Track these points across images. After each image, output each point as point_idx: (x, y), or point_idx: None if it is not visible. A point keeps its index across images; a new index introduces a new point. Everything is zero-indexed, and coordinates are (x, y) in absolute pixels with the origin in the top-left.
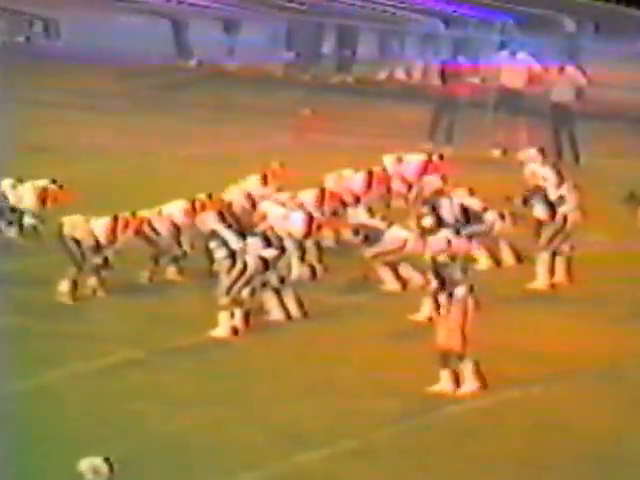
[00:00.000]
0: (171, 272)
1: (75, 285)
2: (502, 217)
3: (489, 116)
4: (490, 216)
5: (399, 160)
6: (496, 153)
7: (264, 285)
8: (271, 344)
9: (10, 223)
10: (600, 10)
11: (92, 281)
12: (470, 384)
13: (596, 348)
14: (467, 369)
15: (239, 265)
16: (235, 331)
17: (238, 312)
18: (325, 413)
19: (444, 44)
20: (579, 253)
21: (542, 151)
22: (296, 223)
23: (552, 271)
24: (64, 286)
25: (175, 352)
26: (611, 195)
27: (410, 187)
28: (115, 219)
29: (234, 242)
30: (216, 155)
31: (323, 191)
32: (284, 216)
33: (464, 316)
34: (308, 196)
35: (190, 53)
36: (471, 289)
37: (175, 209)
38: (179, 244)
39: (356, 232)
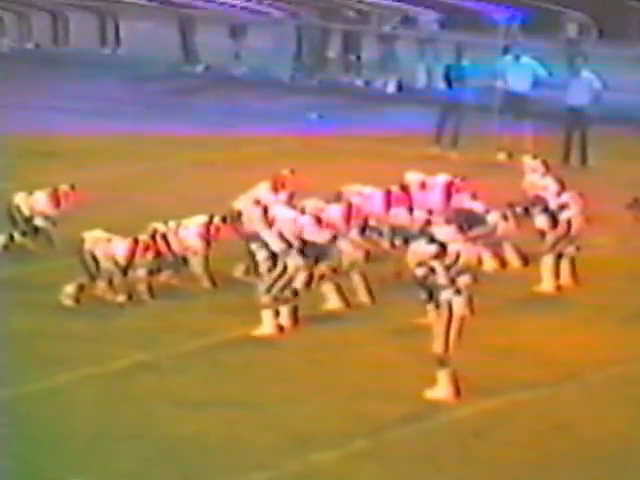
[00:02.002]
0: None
1: (81, 288)
2: (505, 218)
3: (494, 120)
4: (493, 217)
5: (423, 186)
6: (501, 157)
7: (322, 277)
8: (281, 346)
9: (24, 234)
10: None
11: (102, 284)
12: (443, 391)
13: (604, 350)
14: (443, 376)
15: (280, 267)
16: (281, 329)
17: (284, 310)
18: (336, 414)
19: (447, 47)
20: (586, 256)
21: (545, 162)
22: (305, 227)
23: (558, 273)
24: (70, 288)
25: (186, 355)
26: (617, 198)
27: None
28: (135, 242)
29: (275, 244)
30: (225, 160)
31: (350, 206)
32: (294, 220)
33: (448, 321)
34: (336, 210)
35: (197, 58)
36: (458, 292)
37: (191, 232)
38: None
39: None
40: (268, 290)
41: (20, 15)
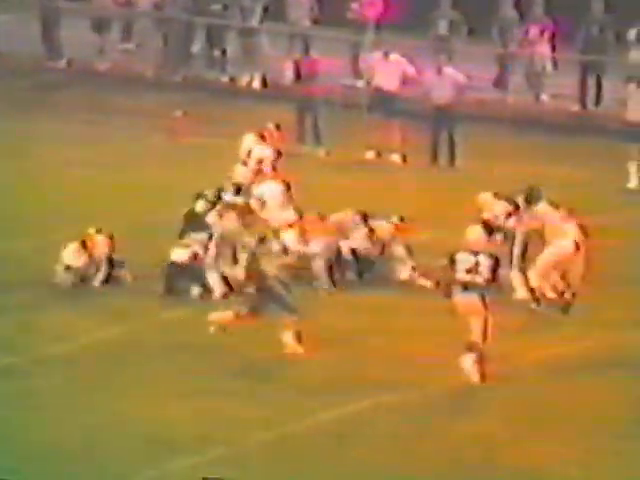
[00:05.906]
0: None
1: None
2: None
3: (363, 118)
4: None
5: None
6: (370, 155)
7: None
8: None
9: None
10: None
11: None
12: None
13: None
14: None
15: None
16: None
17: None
18: (197, 418)
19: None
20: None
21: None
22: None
23: None
24: None
25: (46, 359)
26: None
27: None
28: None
29: None
30: (93, 158)
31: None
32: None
33: None
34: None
35: (59, 53)
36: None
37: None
38: None
39: None
40: None
41: None
